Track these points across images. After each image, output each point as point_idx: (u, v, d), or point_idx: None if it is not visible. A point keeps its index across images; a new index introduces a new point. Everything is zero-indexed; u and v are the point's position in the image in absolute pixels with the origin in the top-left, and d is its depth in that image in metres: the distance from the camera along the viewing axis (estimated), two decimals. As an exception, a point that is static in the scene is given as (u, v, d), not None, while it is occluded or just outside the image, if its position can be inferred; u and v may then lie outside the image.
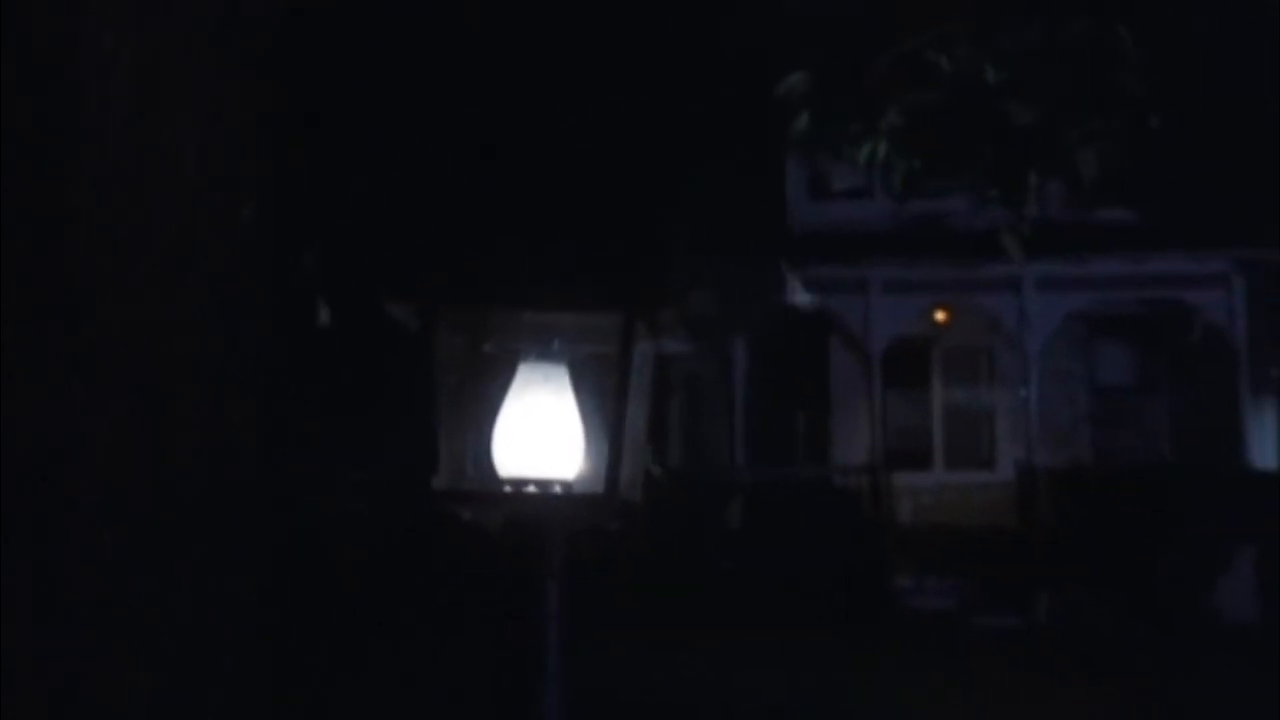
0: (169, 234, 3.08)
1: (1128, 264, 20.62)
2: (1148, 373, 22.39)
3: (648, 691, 11.50)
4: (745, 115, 13.23)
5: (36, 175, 2.93)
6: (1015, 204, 7.32)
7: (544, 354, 2.75)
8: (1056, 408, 21.66)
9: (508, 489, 2.73)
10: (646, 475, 2.77)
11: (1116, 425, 22.04)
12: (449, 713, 10.20)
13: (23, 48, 2.89)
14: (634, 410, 2.72)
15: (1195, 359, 21.39)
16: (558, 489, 2.72)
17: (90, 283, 2.93)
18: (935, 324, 22.27)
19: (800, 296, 21.69)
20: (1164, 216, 20.42)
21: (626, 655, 12.62)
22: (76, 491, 2.85)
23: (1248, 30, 17.17)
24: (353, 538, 14.24)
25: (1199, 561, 19.18)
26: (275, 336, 3.23)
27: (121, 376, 2.93)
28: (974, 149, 6.61)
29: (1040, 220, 9.52)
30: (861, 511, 20.45)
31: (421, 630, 13.35)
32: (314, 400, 12.47)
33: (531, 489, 2.72)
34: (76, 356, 2.90)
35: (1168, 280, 20.97)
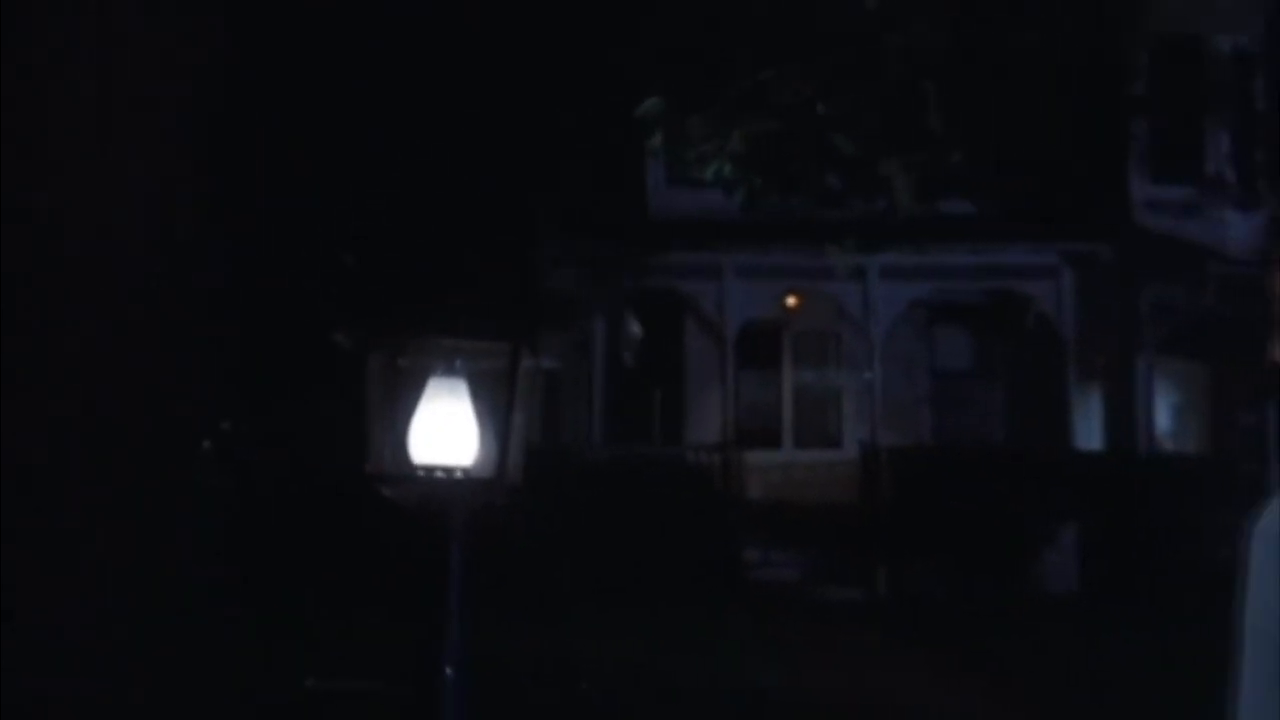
0: (117, 251, 3.63)
1: (967, 255, 21.30)
2: (984, 358, 23.24)
3: (509, 656, 12.00)
4: (607, 112, 13.84)
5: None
6: (839, 219, 8.07)
7: (449, 371, 3.52)
8: (899, 390, 22.32)
9: (421, 473, 3.50)
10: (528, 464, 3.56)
11: (954, 408, 22.82)
12: (378, 646, 11.05)
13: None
14: (519, 413, 3.52)
15: (1028, 346, 22.33)
16: (459, 474, 3.51)
17: (76, 291, 3.49)
18: (786, 309, 22.74)
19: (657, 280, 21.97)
20: (1002, 211, 20.98)
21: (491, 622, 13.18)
22: (69, 463, 3.42)
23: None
24: (294, 513, 15.11)
25: (1027, 536, 20.05)
26: (217, 338, 3.86)
27: (107, 373, 3.49)
28: (806, 173, 7.34)
29: (886, 212, 10.25)
30: (713, 488, 20.93)
31: (354, 585, 14.18)
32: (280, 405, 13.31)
33: (439, 474, 3.50)
34: (65, 353, 3.46)
35: (1004, 271, 21.80)
